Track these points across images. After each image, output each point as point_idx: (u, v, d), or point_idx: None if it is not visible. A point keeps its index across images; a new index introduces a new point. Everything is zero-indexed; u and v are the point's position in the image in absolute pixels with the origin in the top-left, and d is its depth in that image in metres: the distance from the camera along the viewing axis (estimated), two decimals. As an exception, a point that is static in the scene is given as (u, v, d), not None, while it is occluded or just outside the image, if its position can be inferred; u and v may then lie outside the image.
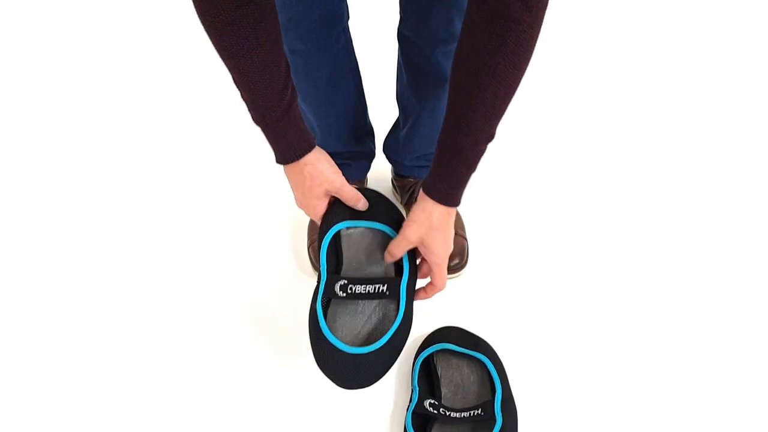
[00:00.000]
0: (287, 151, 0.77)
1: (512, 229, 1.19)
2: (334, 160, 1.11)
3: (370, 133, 1.15)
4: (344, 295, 0.80)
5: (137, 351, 1.04)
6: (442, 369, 0.98)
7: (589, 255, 1.16)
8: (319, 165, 0.79)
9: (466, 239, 1.13)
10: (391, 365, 0.81)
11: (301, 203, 0.83)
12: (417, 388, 0.94)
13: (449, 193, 0.75)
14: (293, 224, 1.21)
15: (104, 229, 1.22)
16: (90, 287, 1.13)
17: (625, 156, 1.33)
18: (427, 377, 0.98)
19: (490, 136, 0.70)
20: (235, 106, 1.38)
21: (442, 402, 0.94)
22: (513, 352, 1.01)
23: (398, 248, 0.80)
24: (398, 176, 1.22)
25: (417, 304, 1.08)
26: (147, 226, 1.22)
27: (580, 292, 1.11)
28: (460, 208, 1.18)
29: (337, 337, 0.79)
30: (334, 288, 0.80)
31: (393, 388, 0.99)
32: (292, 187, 0.82)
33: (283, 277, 1.13)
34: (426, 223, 0.76)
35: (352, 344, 0.81)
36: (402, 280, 0.81)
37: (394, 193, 1.28)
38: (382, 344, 0.79)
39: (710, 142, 1.34)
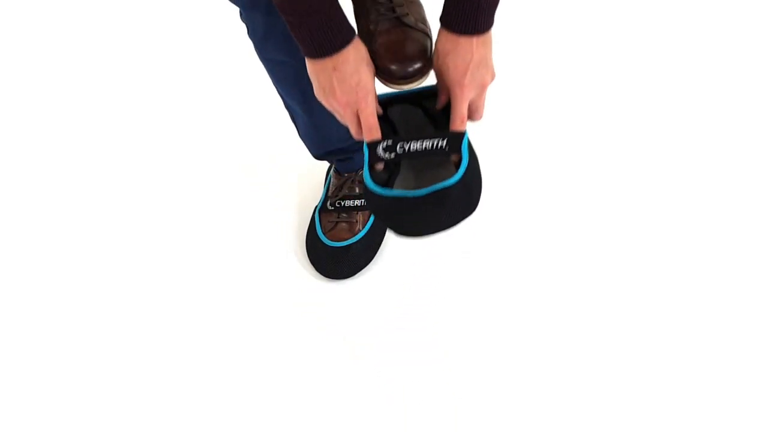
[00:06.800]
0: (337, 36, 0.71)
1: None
2: (335, 157, 1.13)
3: None
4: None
5: (137, 347, 1.05)
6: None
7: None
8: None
9: (429, 36, 0.87)
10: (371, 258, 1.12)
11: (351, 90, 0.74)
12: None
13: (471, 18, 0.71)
14: (294, 222, 1.22)
15: (104, 227, 1.23)
16: (91, 284, 1.14)
17: (619, 136, 1.33)
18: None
19: None
20: (236, 104, 1.41)
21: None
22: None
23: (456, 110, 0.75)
24: None
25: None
26: (147, 224, 1.24)
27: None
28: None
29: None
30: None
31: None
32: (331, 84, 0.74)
33: (282, 274, 1.14)
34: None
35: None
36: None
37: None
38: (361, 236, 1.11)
39: (709, 136, 1.33)
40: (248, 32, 0.91)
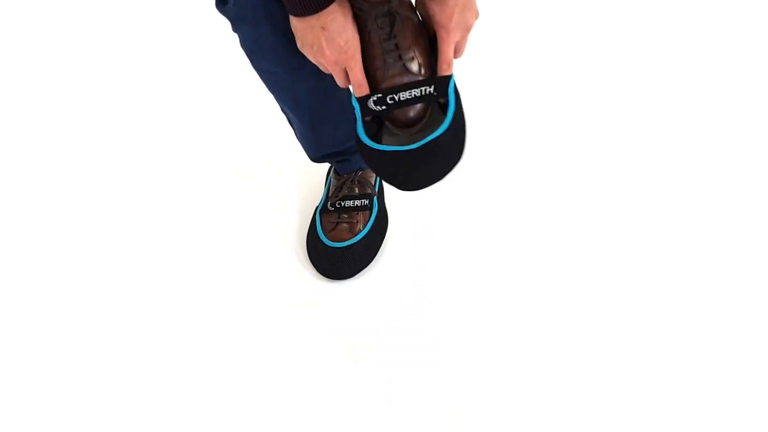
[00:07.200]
0: None
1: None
2: (333, 160, 1.13)
3: None
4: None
5: (136, 348, 1.05)
6: None
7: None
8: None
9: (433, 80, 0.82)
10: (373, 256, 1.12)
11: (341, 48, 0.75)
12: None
13: None
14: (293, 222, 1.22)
15: (103, 231, 1.23)
16: (90, 287, 1.14)
17: (619, 135, 1.33)
18: None
19: None
20: (237, 105, 1.41)
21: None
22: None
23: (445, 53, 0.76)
24: None
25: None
26: (149, 224, 1.24)
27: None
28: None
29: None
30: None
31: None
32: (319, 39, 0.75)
33: (283, 274, 1.14)
34: None
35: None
36: None
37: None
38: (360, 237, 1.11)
39: (708, 132, 1.33)
40: (239, 42, 0.92)
